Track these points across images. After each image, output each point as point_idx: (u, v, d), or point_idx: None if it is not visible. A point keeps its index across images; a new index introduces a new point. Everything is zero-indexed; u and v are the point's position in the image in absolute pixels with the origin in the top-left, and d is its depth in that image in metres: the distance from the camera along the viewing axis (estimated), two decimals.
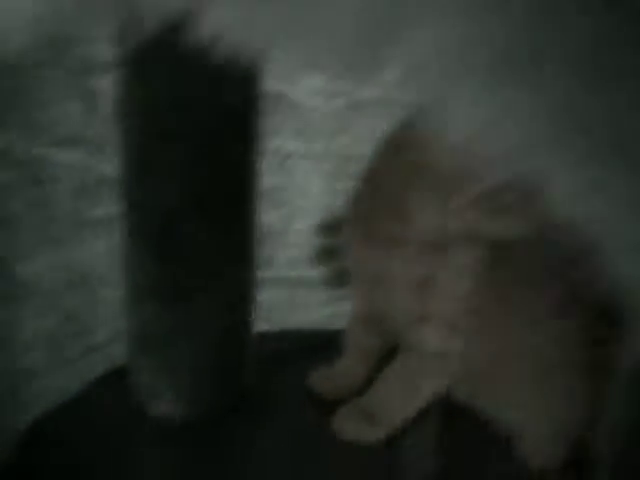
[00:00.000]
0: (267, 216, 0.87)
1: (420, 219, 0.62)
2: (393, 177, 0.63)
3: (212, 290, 0.68)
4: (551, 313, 0.64)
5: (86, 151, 0.73)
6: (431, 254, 0.63)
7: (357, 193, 0.69)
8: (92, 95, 0.70)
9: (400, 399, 0.67)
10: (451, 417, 0.71)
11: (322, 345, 0.87)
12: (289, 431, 0.70)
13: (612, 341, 0.64)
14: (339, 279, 0.85)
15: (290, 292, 0.92)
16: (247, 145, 0.66)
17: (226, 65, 0.60)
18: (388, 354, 0.73)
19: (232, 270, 0.70)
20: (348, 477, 0.65)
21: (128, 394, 0.73)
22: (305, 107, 0.84)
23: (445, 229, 0.62)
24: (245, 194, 0.68)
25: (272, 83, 0.82)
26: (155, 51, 0.57)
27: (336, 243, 0.83)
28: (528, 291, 0.60)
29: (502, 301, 0.63)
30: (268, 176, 0.84)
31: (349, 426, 0.68)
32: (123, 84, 0.62)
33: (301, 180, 0.88)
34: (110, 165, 0.70)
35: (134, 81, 0.61)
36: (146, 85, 0.60)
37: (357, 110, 0.86)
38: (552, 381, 0.65)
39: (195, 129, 0.61)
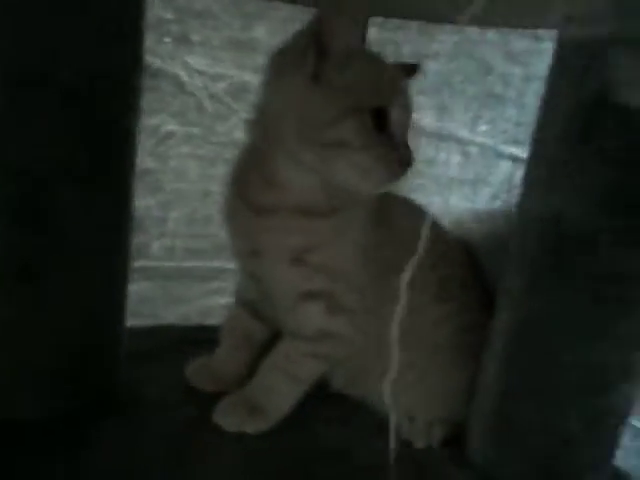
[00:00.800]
0: (142, 201, 0.82)
1: (289, 183, 0.60)
2: (259, 140, 0.62)
3: (75, 272, 0.60)
4: (433, 297, 0.66)
5: None
6: (306, 221, 0.61)
7: (238, 159, 0.67)
8: None
9: (282, 387, 0.65)
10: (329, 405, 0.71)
11: (197, 340, 0.83)
12: (163, 433, 0.64)
13: (484, 326, 0.67)
14: None
15: (164, 284, 0.86)
16: (127, 114, 0.61)
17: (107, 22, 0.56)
18: (267, 347, 0.71)
19: (102, 251, 0.63)
20: (231, 473, 0.61)
21: None
22: (187, 88, 0.81)
23: (324, 192, 0.61)
24: (122, 167, 0.62)
25: (154, 60, 0.78)
26: None
27: None
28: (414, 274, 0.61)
29: (386, 281, 0.64)
30: (144, 157, 0.79)
31: (231, 419, 0.64)
32: None
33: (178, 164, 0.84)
34: None
35: None
36: (13, 34, 0.52)
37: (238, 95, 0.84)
38: (435, 364, 0.67)
39: (66, 89, 0.55)
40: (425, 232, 0.57)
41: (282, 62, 0.59)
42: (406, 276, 0.57)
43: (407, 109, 0.61)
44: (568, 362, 0.57)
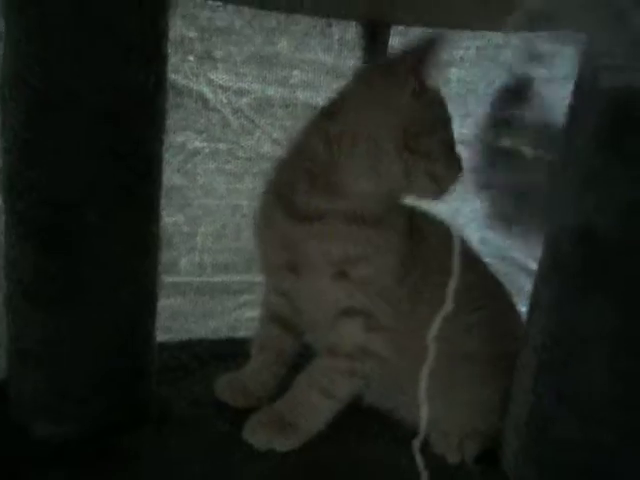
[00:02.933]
0: (170, 218, 0.83)
1: (354, 188, 0.62)
2: (321, 146, 0.63)
3: (106, 292, 0.61)
4: (463, 304, 0.64)
5: None
6: (355, 228, 0.62)
7: (279, 166, 0.67)
8: None
9: (316, 403, 0.64)
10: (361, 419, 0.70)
11: (227, 354, 0.83)
12: (195, 447, 0.64)
13: (514, 336, 0.66)
14: None
15: (194, 299, 0.87)
16: (152, 134, 0.62)
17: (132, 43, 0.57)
18: (298, 364, 0.70)
19: (131, 272, 0.64)
20: None
21: (8, 413, 0.64)
22: (211, 105, 0.82)
23: (379, 200, 0.63)
24: (148, 187, 0.63)
25: (178, 77, 0.79)
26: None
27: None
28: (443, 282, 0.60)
29: (419, 296, 0.63)
30: (171, 174, 0.80)
31: (261, 436, 0.64)
32: (9, 59, 0.55)
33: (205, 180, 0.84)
34: None
35: (23, 55, 0.54)
36: (38, 59, 0.54)
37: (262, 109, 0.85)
38: (466, 375, 0.66)
39: (92, 110, 0.56)
40: (457, 251, 0.57)
41: (380, 79, 0.63)
42: (448, 299, 0.56)
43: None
44: (603, 373, 0.55)
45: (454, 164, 0.65)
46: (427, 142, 0.62)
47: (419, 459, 0.55)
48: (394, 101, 0.62)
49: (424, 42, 0.61)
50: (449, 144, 0.65)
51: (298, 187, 0.64)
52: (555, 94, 0.81)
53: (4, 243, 0.60)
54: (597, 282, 0.55)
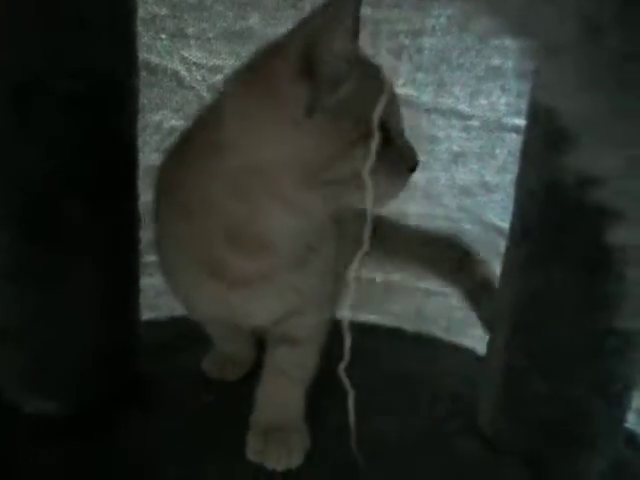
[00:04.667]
0: (149, 196, 0.83)
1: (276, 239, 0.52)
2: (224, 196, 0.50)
3: (86, 274, 0.62)
4: None
5: None
6: (301, 273, 0.55)
7: (180, 214, 0.53)
8: None
9: (298, 398, 0.62)
10: None
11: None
12: (185, 423, 0.66)
13: None
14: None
15: None
16: (126, 116, 0.62)
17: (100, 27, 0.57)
18: None
19: (112, 252, 0.65)
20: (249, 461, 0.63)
21: None
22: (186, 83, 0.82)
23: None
24: (124, 168, 0.64)
25: (151, 56, 0.79)
26: None
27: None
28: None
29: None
30: (149, 154, 0.81)
31: (270, 456, 0.59)
32: None
33: None
34: None
35: None
36: (5, 44, 0.54)
37: None
38: None
39: (61, 95, 0.56)
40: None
41: (253, 99, 0.47)
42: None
43: (398, 105, 0.54)
44: (571, 331, 0.57)
45: (397, 166, 0.51)
46: (348, 162, 0.47)
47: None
48: (274, 130, 0.46)
49: (327, 8, 0.44)
50: (389, 142, 0.49)
51: (220, 255, 0.53)
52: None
53: None
54: (560, 246, 0.57)
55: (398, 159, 0.52)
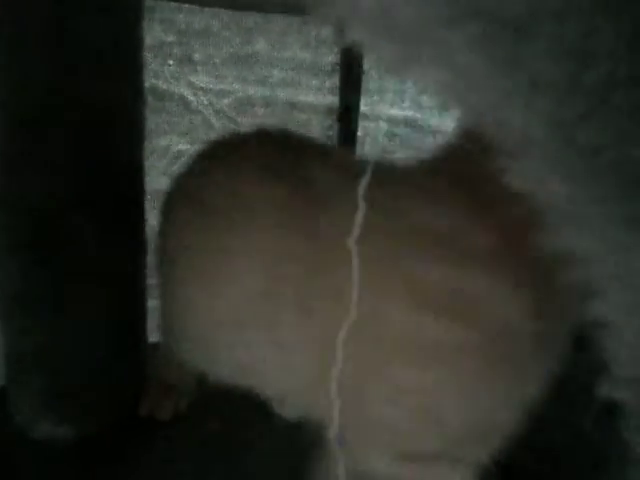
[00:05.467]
0: (156, 220, 0.84)
1: None
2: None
3: (96, 298, 0.63)
4: None
5: None
6: None
7: None
8: None
9: None
10: None
11: None
12: (190, 448, 0.66)
13: None
14: None
15: None
16: (133, 141, 0.63)
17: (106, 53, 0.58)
18: None
19: (119, 276, 0.65)
20: None
21: (7, 417, 0.66)
22: (193, 107, 0.83)
23: None
24: (131, 193, 0.65)
25: (159, 82, 0.80)
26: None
27: None
28: None
29: None
30: (157, 177, 0.81)
31: None
32: None
33: None
34: None
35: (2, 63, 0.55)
36: (14, 74, 0.55)
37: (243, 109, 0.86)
38: None
39: (68, 124, 0.57)
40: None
41: None
42: None
43: None
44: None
45: None
46: None
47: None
48: None
49: None
50: None
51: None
52: None
53: None
54: None
55: None
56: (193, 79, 0.82)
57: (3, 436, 0.65)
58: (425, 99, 0.91)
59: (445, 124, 0.92)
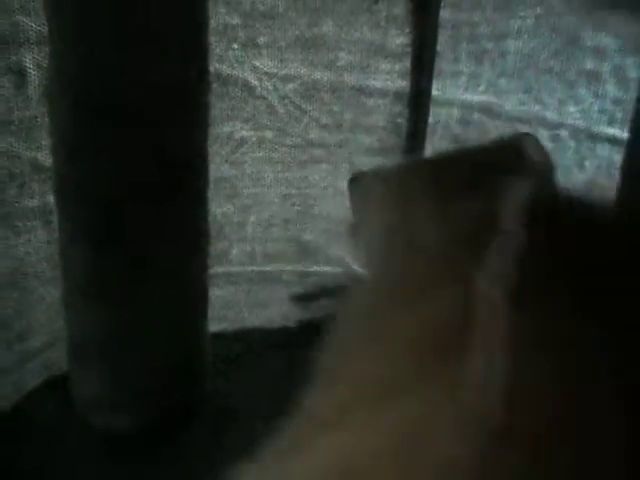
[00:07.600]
0: (220, 208, 0.83)
1: None
2: None
3: (159, 286, 0.62)
4: None
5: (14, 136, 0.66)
6: None
7: None
8: (20, 73, 0.63)
9: None
10: None
11: (282, 343, 0.83)
12: (252, 438, 0.64)
13: None
14: None
15: (247, 288, 0.87)
16: (197, 127, 0.61)
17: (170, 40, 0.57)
18: None
19: (182, 264, 0.64)
20: None
21: (69, 406, 0.66)
22: (257, 92, 0.80)
23: None
24: (194, 181, 0.63)
25: (223, 67, 0.78)
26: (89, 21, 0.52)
27: None
28: None
29: None
30: (219, 165, 0.80)
31: None
32: (53, 60, 0.56)
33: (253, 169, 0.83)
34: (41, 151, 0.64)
35: (66, 56, 0.55)
36: (80, 59, 0.54)
37: (309, 94, 0.82)
38: None
39: (133, 110, 0.55)
40: None
41: None
42: None
43: None
44: None
45: None
46: None
47: None
48: None
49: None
50: None
51: None
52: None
53: (59, 242, 0.62)
54: None
55: None
56: (257, 63, 0.79)
57: (64, 422, 0.65)
58: (503, 82, 0.85)
59: (525, 110, 0.85)
